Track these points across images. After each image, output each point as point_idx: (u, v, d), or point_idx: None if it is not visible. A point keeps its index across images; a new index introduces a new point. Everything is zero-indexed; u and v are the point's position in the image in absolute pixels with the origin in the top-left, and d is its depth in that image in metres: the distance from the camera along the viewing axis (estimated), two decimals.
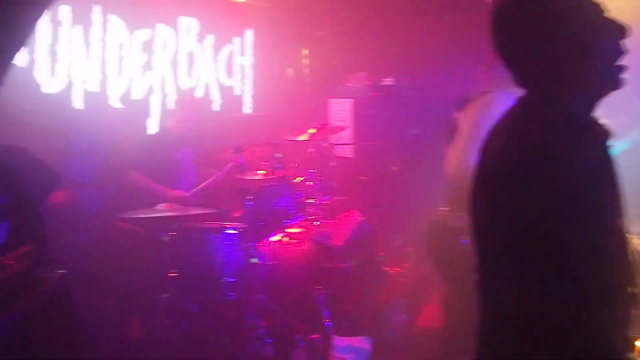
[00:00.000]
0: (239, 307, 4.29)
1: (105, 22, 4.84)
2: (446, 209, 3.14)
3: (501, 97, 2.82)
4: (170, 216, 4.05)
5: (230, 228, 4.34)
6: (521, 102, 1.64)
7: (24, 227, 2.34)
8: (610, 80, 1.58)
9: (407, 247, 5.95)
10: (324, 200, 4.77)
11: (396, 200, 6.29)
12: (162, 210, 4.05)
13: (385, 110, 6.25)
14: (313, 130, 5.21)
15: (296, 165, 4.94)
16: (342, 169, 5.34)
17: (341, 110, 6.12)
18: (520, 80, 1.66)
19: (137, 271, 4.35)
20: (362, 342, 4.34)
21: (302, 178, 4.72)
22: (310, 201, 4.67)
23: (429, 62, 6.44)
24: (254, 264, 4.25)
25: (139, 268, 4.31)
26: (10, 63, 2.05)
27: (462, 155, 2.81)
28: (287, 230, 4.61)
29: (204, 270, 4.32)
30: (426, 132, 6.54)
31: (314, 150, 5.19)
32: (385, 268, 5.47)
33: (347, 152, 6.02)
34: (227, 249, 4.30)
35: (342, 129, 5.44)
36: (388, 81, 6.51)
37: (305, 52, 7.17)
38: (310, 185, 4.71)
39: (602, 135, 1.58)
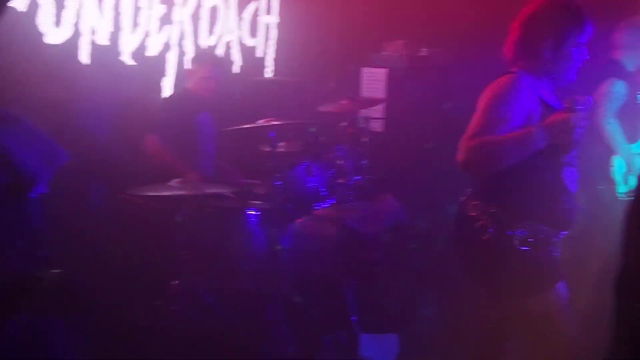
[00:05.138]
0: (258, 299, 3.86)
1: None
2: (465, 198, 2.78)
3: (522, 79, 2.58)
4: (185, 195, 3.57)
5: (253, 208, 3.86)
6: None
7: (15, 218, 1.83)
8: None
9: (436, 230, 5.54)
10: (356, 181, 4.26)
11: (427, 181, 5.84)
12: (176, 188, 3.55)
13: (421, 83, 5.72)
14: (344, 102, 4.73)
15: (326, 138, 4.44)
16: (373, 146, 4.82)
17: (374, 80, 5.57)
18: None
19: (146, 253, 3.95)
20: (389, 340, 3.92)
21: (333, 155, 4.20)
22: (340, 181, 4.16)
23: (469, 31, 5.97)
24: (277, 250, 3.77)
25: (149, 249, 3.90)
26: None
27: (472, 140, 2.47)
28: (315, 213, 4.13)
29: (220, 256, 3.90)
30: (463, 107, 6.08)
31: (346, 124, 4.67)
32: (416, 257, 5.02)
33: (378, 126, 5.49)
34: (248, 233, 3.84)
35: (379, 101, 4.91)
36: (424, 51, 6.00)
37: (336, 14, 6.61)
38: (341, 164, 4.20)
39: None
